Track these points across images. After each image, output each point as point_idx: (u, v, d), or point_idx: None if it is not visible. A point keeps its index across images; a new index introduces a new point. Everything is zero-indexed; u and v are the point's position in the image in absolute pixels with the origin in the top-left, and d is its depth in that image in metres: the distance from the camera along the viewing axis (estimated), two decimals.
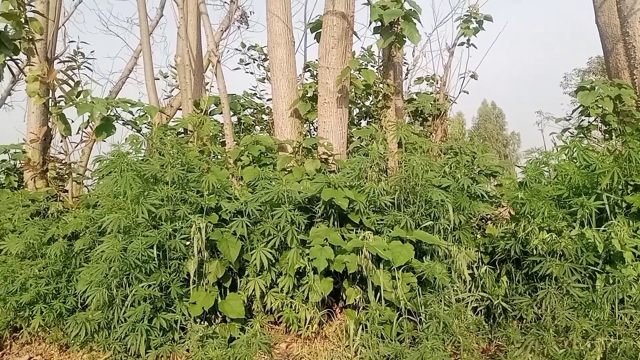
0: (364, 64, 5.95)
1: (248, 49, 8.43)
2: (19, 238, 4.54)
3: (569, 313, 3.70)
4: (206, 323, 4.09)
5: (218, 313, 4.20)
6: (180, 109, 6.62)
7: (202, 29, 6.51)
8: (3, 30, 4.85)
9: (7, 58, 4.96)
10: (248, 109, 8.02)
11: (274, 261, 4.16)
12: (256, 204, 4.26)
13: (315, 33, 6.11)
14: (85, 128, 5.59)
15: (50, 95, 5.61)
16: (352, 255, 3.95)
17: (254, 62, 8.51)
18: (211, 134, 5.54)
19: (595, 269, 3.87)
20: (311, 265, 4.07)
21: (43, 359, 4.33)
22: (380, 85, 5.89)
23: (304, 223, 4.23)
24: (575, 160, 4.38)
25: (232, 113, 6.77)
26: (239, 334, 4.08)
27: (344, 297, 4.20)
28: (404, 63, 7.23)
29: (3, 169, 6.00)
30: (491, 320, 4.14)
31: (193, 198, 4.24)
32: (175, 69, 7.42)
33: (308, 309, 4.09)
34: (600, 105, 5.57)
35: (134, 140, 4.73)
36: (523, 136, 43.78)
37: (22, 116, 6.28)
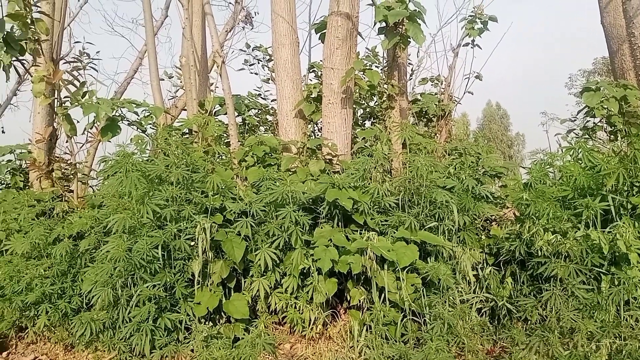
0: (368, 64, 5.94)
1: (252, 50, 8.44)
2: (24, 238, 4.56)
3: (574, 314, 3.69)
4: (211, 323, 4.10)
5: (222, 313, 4.20)
6: (185, 110, 6.63)
7: (206, 29, 6.53)
8: (9, 30, 4.87)
9: (14, 58, 4.99)
10: (252, 110, 8.03)
11: (278, 262, 4.16)
12: (260, 204, 4.26)
13: (319, 34, 6.12)
14: (91, 128, 5.61)
15: (56, 96, 5.64)
16: (356, 256, 3.95)
17: (259, 63, 8.52)
18: (216, 134, 5.55)
19: (600, 270, 3.85)
20: (315, 266, 4.07)
21: (48, 359, 4.35)
22: (385, 86, 5.89)
23: (308, 224, 4.24)
24: (581, 161, 4.36)
25: (236, 114, 6.78)
26: (244, 335, 4.08)
27: (348, 298, 4.20)
28: (409, 64, 7.23)
29: (9, 169, 6.03)
30: (496, 322, 4.13)
31: (198, 198, 4.25)
32: (180, 69, 7.44)
33: (312, 310, 4.09)
34: (605, 106, 5.56)
35: (139, 141, 4.74)
36: (528, 137, 43.67)
37: (27, 116, 6.31)
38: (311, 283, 4.10)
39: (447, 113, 7.10)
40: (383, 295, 3.98)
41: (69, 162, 5.93)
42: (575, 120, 6.36)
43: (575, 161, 4.41)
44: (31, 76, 5.42)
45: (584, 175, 4.17)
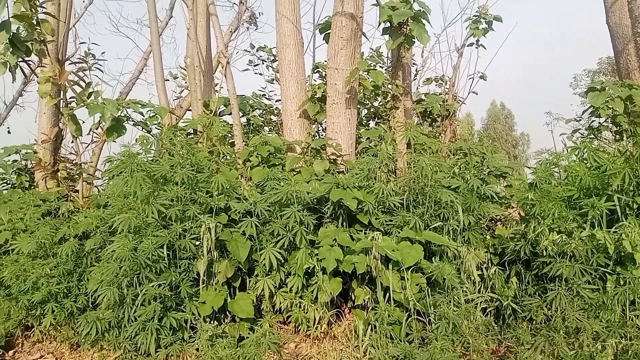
0: (372, 64, 5.94)
1: (257, 50, 8.46)
2: (30, 237, 4.58)
3: (580, 314, 3.68)
4: (216, 322, 4.11)
5: (227, 312, 4.21)
6: (190, 110, 6.65)
7: (211, 30, 6.54)
8: (15, 32, 4.90)
9: (20, 59, 5.02)
10: (257, 110, 8.03)
11: (283, 261, 4.17)
12: (265, 204, 4.27)
13: (324, 34, 6.12)
14: (96, 129, 5.64)
15: (62, 96, 5.67)
16: (361, 256, 3.95)
17: (263, 63, 8.53)
18: (220, 134, 5.56)
19: (605, 270, 3.84)
20: (320, 266, 4.07)
21: (54, 358, 4.37)
22: (389, 86, 5.88)
23: (312, 223, 4.24)
24: (586, 161, 4.35)
25: (241, 114, 6.79)
26: (248, 334, 4.09)
27: (353, 298, 4.20)
28: (413, 64, 7.22)
29: (15, 169, 6.05)
30: (501, 321, 4.12)
31: (202, 198, 4.26)
32: (184, 70, 7.44)
33: (317, 309, 4.10)
34: (610, 106, 5.54)
35: (144, 141, 4.76)
36: (532, 137, 43.50)
37: (33, 117, 6.33)
38: (316, 282, 4.11)
39: (451, 113, 7.09)
40: (388, 294, 3.98)
41: (74, 162, 5.95)
42: (580, 120, 6.34)
43: (581, 161, 4.40)
44: (37, 77, 5.45)
45: (590, 175, 4.15)
